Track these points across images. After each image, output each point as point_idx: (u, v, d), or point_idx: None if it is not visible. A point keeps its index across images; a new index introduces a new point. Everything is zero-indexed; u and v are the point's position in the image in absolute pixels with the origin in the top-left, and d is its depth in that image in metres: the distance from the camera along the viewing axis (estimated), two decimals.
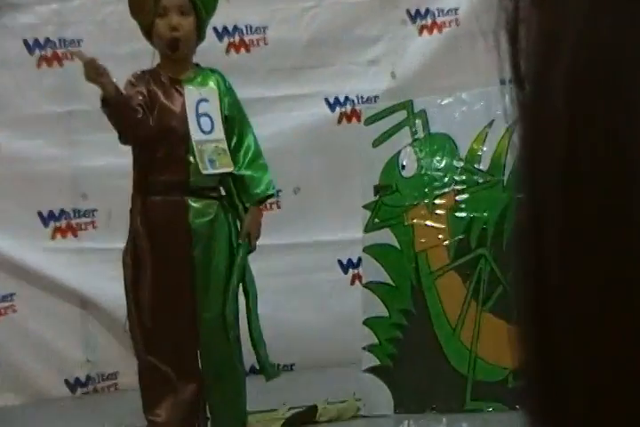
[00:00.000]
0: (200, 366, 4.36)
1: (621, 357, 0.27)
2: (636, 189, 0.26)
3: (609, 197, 0.27)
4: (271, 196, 4.55)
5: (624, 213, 0.26)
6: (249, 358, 4.45)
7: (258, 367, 4.49)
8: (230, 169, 4.30)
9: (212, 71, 4.44)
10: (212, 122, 4.29)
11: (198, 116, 4.29)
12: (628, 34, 0.27)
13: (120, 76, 4.32)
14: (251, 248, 4.44)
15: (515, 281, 0.30)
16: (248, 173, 4.40)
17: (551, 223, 0.28)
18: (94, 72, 4.12)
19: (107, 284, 5.09)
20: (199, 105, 4.30)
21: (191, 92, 4.25)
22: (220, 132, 4.35)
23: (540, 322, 0.29)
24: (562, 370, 0.28)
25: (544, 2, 0.30)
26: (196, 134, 4.24)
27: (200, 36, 4.25)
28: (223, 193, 4.45)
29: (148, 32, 4.19)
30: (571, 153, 0.27)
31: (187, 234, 4.25)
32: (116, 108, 4.19)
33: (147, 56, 4.39)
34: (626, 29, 0.27)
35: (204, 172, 4.21)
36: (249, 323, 4.31)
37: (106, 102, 4.16)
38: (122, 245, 4.25)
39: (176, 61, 4.21)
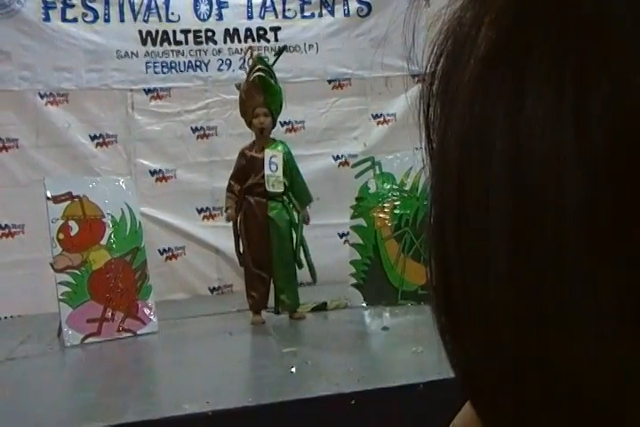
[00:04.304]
0: (273, 273, 5.42)
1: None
2: (491, 195, 0.30)
3: (473, 204, 0.31)
4: (310, 202, 5.65)
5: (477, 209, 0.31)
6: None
7: (311, 276, 5.54)
8: (281, 190, 5.41)
9: (280, 142, 5.63)
10: (277, 166, 5.39)
11: (270, 163, 5.38)
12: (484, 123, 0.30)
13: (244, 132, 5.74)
14: (306, 222, 5.54)
15: (429, 245, 0.35)
16: (296, 190, 5.57)
17: (449, 220, 0.33)
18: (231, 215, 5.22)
19: (226, 241, 6.30)
20: (271, 159, 5.39)
21: (267, 153, 5.42)
22: (279, 172, 5.41)
23: (442, 262, 0.34)
24: (451, 284, 0.34)
25: (444, 100, 0.34)
26: (267, 172, 5.37)
27: (273, 126, 5.58)
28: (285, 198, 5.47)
29: (249, 124, 5.54)
30: (457, 183, 0.32)
31: (266, 218, 5.44)
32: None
33: (250, 134, 5.75)
34: (488, 121, 0.30)
35: (269, 190, 5.39)
36: (306, 256, 5.52)
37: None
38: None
39: (262, 138, 5.48)
